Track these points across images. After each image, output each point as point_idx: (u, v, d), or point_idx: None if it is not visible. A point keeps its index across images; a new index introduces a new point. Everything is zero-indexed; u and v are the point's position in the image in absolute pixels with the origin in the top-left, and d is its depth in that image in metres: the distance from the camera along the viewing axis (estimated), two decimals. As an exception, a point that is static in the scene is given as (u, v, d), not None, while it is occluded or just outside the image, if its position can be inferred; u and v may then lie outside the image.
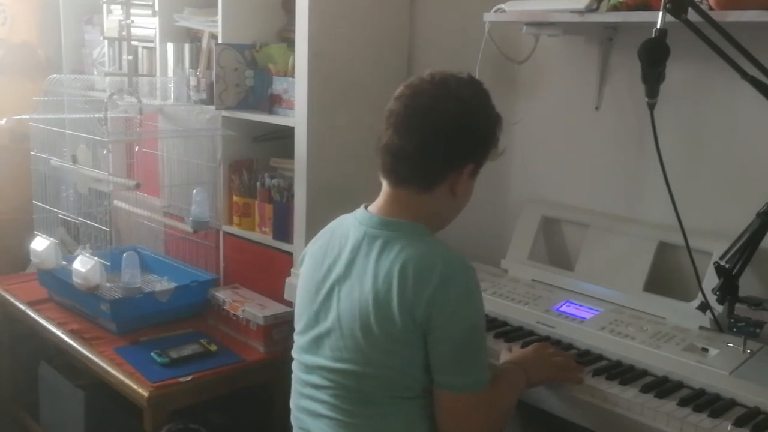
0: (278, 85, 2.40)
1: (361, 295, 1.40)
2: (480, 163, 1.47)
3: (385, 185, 1.48)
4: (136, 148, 2.73)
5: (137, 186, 2.47)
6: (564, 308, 1.86)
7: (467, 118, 1.42)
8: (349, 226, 1.50)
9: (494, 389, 1.45)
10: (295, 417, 1.55)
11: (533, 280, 2.05)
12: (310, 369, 1.48)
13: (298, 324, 1.55)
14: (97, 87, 3.01)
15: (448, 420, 1.39)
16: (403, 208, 1.45)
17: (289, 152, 2.35)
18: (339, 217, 1.58)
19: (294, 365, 1.56)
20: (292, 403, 1.56)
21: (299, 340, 1.54)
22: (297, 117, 2.29)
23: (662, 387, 1.48)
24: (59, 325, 2.50)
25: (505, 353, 1.63)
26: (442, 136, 1.40)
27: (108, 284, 2.46)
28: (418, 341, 1.36)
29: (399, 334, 1.36)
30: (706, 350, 1.62)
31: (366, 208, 1.51)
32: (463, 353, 1.37)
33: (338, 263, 1.47)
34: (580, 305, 1.87)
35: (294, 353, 1.56)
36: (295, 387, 1.55)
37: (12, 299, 2.75)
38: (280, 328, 2.31)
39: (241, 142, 2.59)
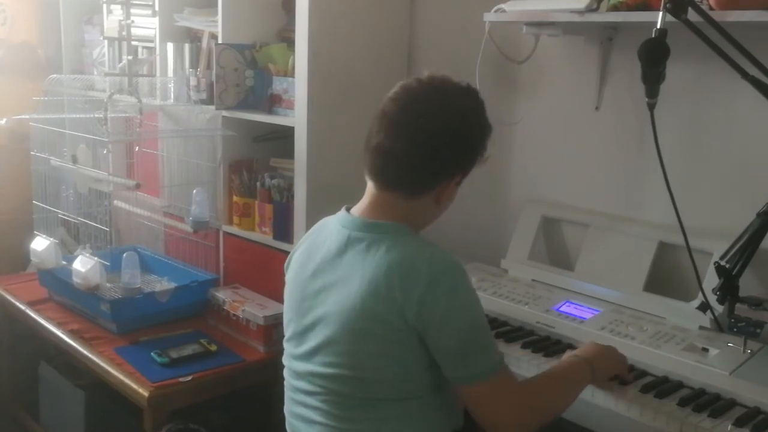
0: (278, 85, 2.40)
1: (348, 299, 1.39)
2: (467, 173, 1.46)
3: (370, 186, 1.46)
4: (136, 148, 2.73)
5: (137, 186, 2.47)
6: (564, 308, 1.86)
7: (462, 131, 1.40)
8: (331, 230, 1.49)
9: (536, 376, 1.46)
10: (289, 423, 1.54)
11: (533, 280, 2.05)
12: (301, 375, 1.48)
13: (287, 331, 1.54)
14: (97, 87, 3.01)
15: (477, 412, 1.39)
16: (386, 211, 1.44)
17: (289, 152, 2.35)
18: (321, 220, 1.57)
19: (285, 372, 1.55)
20: (285, 410, 1.56)
21: (288, 347, 1.54)
22: (297, 117, 2.29)
23: (662, 387, 1.48)
24: (59, 325, 2.50)
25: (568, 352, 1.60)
26: (435, 146, 1.38)
27: (108, 284, 2.46)
28: (412, 341, 1.36)
29: (390, 335, 1.35)
30: (706, 350, 1.62)
31: (348, 210, 1.50)
32: (466, 348, 1.36)
33: (323, 268, 1.46)
34: (580, 305, 1.87)
35: (284, 360, 1.56)
36: (288, 394, 1.54)
37: (12, 299, 2.75)
38: (280, 328, 2.29)
39: (241, 142, 2.59)
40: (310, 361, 1.45)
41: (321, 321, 1.43)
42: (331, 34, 2.25)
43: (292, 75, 2.32)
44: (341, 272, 1.42)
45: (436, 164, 1.40)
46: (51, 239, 2.63)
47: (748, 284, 1.63)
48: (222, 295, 2.48)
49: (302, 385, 1.48)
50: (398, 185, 1.42)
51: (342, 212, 1.51)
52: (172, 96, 2.74)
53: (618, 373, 1.51)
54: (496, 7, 1.99)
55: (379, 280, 1.35)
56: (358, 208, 1.48)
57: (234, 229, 2.60)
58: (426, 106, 1.39)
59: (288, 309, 1.55)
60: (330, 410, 1.42)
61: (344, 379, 1.40)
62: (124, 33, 2.58)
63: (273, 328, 2.31)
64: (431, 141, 1.38)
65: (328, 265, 1.46)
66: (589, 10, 1.79)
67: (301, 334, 1.48)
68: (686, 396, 1.44)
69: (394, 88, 1.44)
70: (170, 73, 2.77)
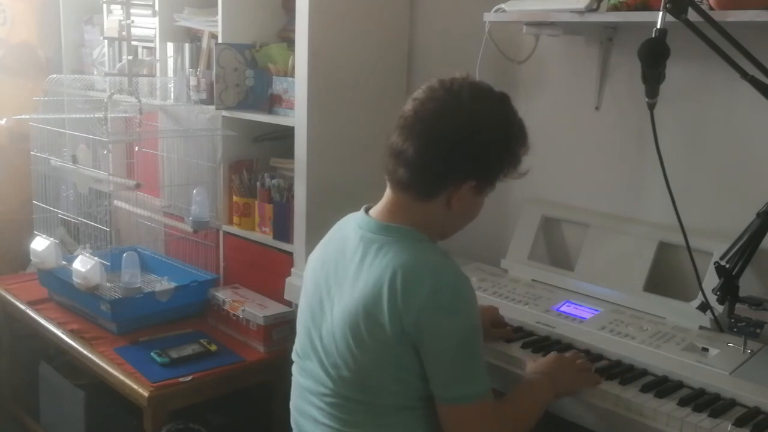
0: (278, 85, 2.40)
1: (351, 301, 1.38)
2: (486, 181, 1.42)
3: (387, 187, 1.46)
4: (136, 148, 2.73)
5: (137, 186, 2.47)
6: (564, 308, 1.86)
7: (472, 133, 1.36)
8: (349, 229, 1.49)
9: (505, 400, 1.43)
10: (294, 419, 1.54)
11: (533, 280, 2.05)
12: (308, 374, 1.48)
13: (298, 328, 1.54)
14: (97, 87, 3.01)
15: None
16: (401, 214, 1.42)
17: (289, 152, 2.35)
18: (345, 217, 1.56)
19: (293, 368, 1.55)
20: (291, 405, 1.56)
21: (298, 344, 1.54)
22: (297, 117, 2.29)
23: (662, 387, 1.48)
24: (59, 325, 2.50)
25: (530, 363, 1.57)
26: (443, 148, 1.36)
27: (108, 284, 2.46)
28: (409, 349, 1.34)
29: (389, 341, 1.34)
30: (706, 350, 1.62)
31: (367, 211, 1.49)
32: (457, 365, 1.34)
33: (336, 268, 1.46)
34: (580, 305, 1.87)
35: (293, 356, 1.56)
36: (295, 390, 1.54)
37: (12, 299, 2.75)
38: (280, 328, 2.31)
39: (241, 142, 2.59)
40: (317, 361, 1.45)
41: (329, 321, 1.43)
42: (331, 34, 2.25)
43: (292, 75, 2.32)
44: (351, 273, 1.42)
45: (442, 168, 1.38)
46: (51, 239, 2.63)
47: (748, 284, 1.62)
48: (222, 295, 2.48)
49: (309, 383, 1.47)
50: (408, 186, 1.40)
51: (360, 212, 1.50)
52: (172, 96, 2.74)
53: (582, 384, 1.49)
54: (496, 7, 1.99)
55: (382, 284, 1.34)
56: (375, 210, 1.47)
57: (234, 229, 2.60)
58: (438, 108, 1.37)
59: (301, 307, 1.55)
60: (333, 413, 1.42)
61: (348, 382, 1.39)
62: (124, 33, 2.58)
63: (273, 328, 2.32)
64: (438, 144, 1.36)
65: (340, 265, 1.45)
66: (589, 10, 1.79)
67: (311, 333, 1.48)
68: (686, 396, 1.44)
69: (419, 88, 1.42)
70: (170, 73, 2.77)
